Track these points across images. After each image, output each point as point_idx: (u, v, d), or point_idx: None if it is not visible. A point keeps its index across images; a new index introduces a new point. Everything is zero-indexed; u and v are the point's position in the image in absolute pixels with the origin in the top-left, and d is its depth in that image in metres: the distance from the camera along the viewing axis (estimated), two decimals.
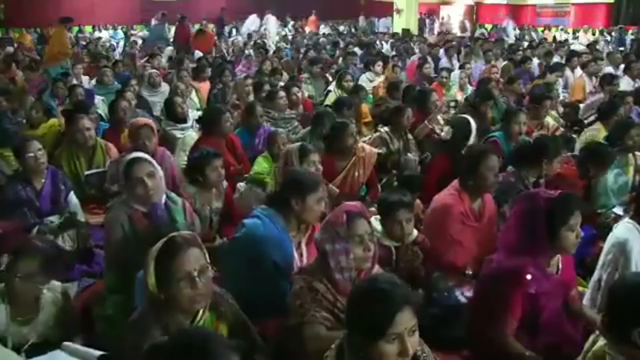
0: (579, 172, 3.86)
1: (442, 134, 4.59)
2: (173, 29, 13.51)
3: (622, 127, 4.13)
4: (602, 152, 3.89)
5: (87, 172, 4.15)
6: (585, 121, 5.99)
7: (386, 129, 4.76)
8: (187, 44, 11.89)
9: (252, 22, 17.73)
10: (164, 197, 2.97)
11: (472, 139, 4.22)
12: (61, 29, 8.81)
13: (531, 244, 2.32)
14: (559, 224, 2.28)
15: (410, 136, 4.90)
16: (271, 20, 17.61)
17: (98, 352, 2.26)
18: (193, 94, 7.02)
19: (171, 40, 13.09)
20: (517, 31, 18.77)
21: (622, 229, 2.67)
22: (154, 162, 2.96)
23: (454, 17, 23.49)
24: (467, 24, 21.77)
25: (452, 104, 6.76)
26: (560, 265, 2.44)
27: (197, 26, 14.73)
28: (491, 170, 3.11)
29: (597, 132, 4.71)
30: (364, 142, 4.51)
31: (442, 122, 5.34)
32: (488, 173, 3.10)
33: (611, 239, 2.69)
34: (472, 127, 4.23)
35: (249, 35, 15.78)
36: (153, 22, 20.23)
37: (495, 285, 2.36)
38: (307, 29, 20.10)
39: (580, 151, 4.06)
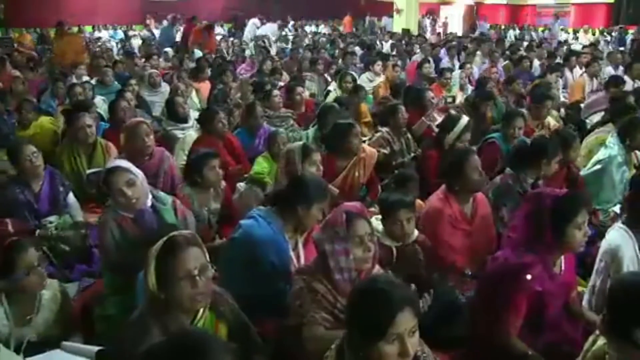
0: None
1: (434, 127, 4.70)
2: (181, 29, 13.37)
3: (633, 125, 4.12)
4: (564, 134, 4.14)
5: (88, 171, 4.15)
6: (587, 120, 5.97)
7: (386, 129, 4.78)
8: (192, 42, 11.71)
9: (271, 29, 17.70)
10: (149, 200, 2.94)
11: (455, 134, 4.22)
12: (61, 37, 8.90)
13: (538, 242, 2.33)
14: (565, 221, 2.29)
15: (409, 136, 4.92)
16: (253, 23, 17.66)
17: (96, 348, 2.27)
18: (193, 94, 7.03)
19: (177, 41, 12.96)
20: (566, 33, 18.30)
21: (615, 235, 2.66)
22: (132, 168, 2.91)
23: (455, 17, 23.45)
24: (478, 23, 21.75)
25: (450, 100, 6.77)
26: (562, 266, 2.45)
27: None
28: (475, 170, 3.10)
29: (607, 133, 4.65)
30: (364, 142, 4.51)
31: (439, 119, 5.34)
32: (472, 173, 3.09)
33: (604, 244, 2.68)
34: (459, 122, 4.24)
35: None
36: (148, 22, 20.31)
37: (501, 281, 2.36)
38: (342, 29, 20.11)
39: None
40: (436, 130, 5.11)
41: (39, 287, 2.39)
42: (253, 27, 17.44)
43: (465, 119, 4.26)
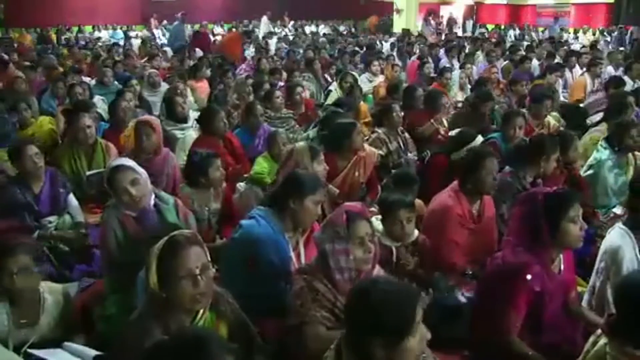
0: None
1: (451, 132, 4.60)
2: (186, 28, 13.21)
3: (622, 128, 4.13)
4: (564, 135, 4.08)
5: (88, 173, 4.14)
6: (588, 120, 5.97)
7: (382, 129, 4.77)
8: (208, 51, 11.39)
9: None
10: (152, 199, 2.95)
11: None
12: None
13: (535, 242, 2.33)
14: (559, 217, 2.30)
15: (407, 135, 4.91)
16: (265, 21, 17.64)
17: (94, 352, 2.26)
18: (188, 93, 7.01)
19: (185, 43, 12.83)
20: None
21: (615, 235, 2.66)
22: (136, 167, 2.92)
23: (457, 16, 23.43)
24: (468, 24, 21.74)
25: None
26: (562, 266, 2.45)
27: (196, 26, 14.65)
28: (490, 174, 3.11)
29: (601, 133, 4.65)
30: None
31: (445, 122, 5.33)
32: (487, 176, 3.09)
33: (604, 245, 2.69)
34: (472, 142, 4.10)
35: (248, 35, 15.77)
36: (152, 22, 20.32)
37: (501, 281, 2.37)
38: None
39: None
40: (442, 132, 5.10)
41: (29, 292, 2.36)
42: (266, 25, 17.39)
43: (479, 139, 4.17)
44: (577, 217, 2.32)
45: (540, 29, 20.98)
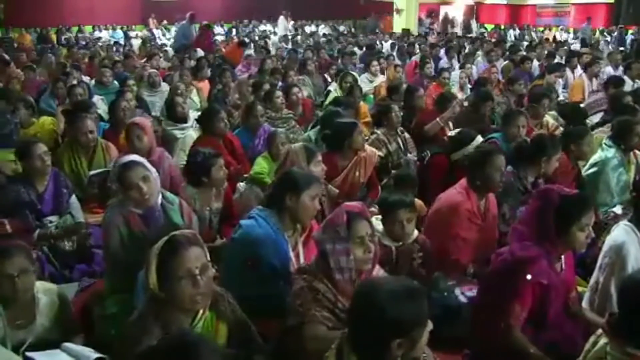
0: (567, 157, 3.91)
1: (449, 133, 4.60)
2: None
3: (626, 126, 4.12)
4: (578, 129, 4.16)
5: (90, 173, 4.14)
6: (587, 120, 5.96)
7: (382, 130, 4.77)
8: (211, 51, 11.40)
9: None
10: (159, 198, 2.94)
11: (466, 151, 4.03)
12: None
13: (544, 238, 2.35)
14: (570, 221, 2.32)
15: (407, 135, 4.90)
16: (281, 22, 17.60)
17: (95, 355, 2.25)
18: (194, 94, 7.02)
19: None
20: None
21: (620, 232, 2.66)
22: (147, 164, 2.91)
23: (454, 16, 23.40)
24: (473, 24, 21.70)
25: None
26: (563, 266, 2.46)
27: (196, 26, 14.60)
28: (498, 170, 3.14)
29: (606, 134, 4.66)
30: None
31: (451, 123, 5.33)
32: (495, 172, 3.12)
33: (608, 241, 2.68)
34: (472, 142, 4.09)
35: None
36: (151, 22, 20.33)
37: (507, 273, 2.37)
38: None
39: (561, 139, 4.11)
40: (448, 133, 5.10)
41: (23, 293, 2.33)
42: (283, 24, 17.33)
43: (479, 139, 4.15)
44: (587, 225, 2.35)
45: (540, 28, 20.99)
